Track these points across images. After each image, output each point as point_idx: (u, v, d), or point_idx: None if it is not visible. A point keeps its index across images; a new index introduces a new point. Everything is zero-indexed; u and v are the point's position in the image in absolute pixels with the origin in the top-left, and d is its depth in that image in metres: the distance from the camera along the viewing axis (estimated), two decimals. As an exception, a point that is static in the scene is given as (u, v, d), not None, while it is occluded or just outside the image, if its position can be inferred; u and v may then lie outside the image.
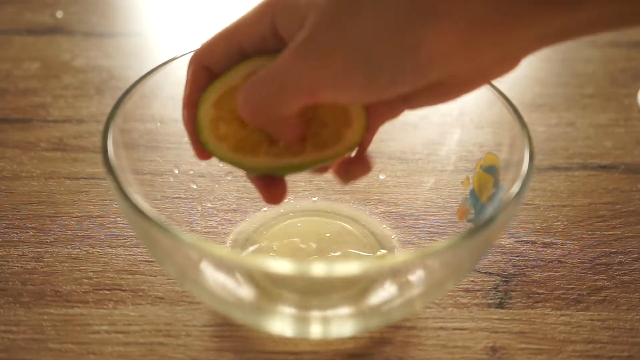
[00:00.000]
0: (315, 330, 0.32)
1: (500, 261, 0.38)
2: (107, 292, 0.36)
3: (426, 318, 0.35)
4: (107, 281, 0.36)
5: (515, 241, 0.40)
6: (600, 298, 0.36)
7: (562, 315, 0.35)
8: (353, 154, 0.31)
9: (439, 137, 0.39)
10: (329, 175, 0.32)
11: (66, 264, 0.37)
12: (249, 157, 0.29)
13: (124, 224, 0.40)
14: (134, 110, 0.33)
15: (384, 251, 0.38)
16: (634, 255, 0.39)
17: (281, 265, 0.25)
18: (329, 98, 0.25)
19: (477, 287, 0.36)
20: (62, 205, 0.42)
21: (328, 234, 0.39)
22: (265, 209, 0.40)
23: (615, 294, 0.36)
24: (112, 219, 0.40)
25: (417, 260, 0.27)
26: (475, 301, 0.36)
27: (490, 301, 0.36)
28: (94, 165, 0.45)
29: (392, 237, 0.39)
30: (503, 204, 0.31)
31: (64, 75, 0.55)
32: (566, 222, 0.41)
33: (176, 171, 0.39)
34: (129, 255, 0.38)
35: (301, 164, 0.30)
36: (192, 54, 0.28)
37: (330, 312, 0.33)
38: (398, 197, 0.41)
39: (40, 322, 0.34)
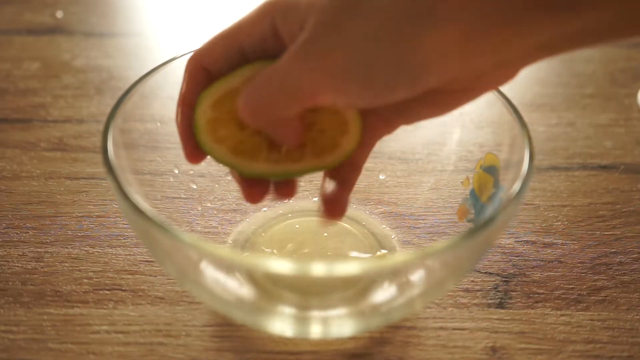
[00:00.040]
0: (315, 330, 0.32)
1: (500, 261, 0.38)
2: (107, 292, 0.36)
3: (426, 318, 0.35)
4: (107, 281, 0.36)
5: (515, 241, 0.40)
6: (600, 298, 0.36)
7: (562, 315, 0.35)
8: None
9: (439, 137, 0.39)
10: (329, 175, 0.32)
11: (66, 264, 0.37)
12: (248, 161, 0.29)
13: (124, 224, 0.40)
14: (134, 110, 0.33)
15: (384, 251, 0.38)
16: (634, 255, 0.39)
17: (281, 265, 0.25)
18: (328, 100, 0.25)
19: (477, 287, 0.36)
20: (62, 205, 0.42)
21: (327, 234, 0.39)
22: (265, 209, 0.40)
23: (615, 294, 0.36)
24: (112, 219, 0.40)
25: (417, 260, 0.27)
26: (475, 301, 0.36)
27: (490, 301, 0.36)
28: (94, 165, 0.45)
29: (392, 237, 0.39)
30: (503, 204, 0.31)
31: (64, 75, 0.55)
32: (566, 222, 0.41)
33: (176, 171, 0.39)
34: (129, 255, 0.38)
35: (299, 171, 0.30)
36: (191, 54, 0.28)
37: (330, 312, 0.33)
38: (398, 197, 0.41)
39: (40, 322, 0.34)
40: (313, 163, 0.30)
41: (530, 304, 0.36)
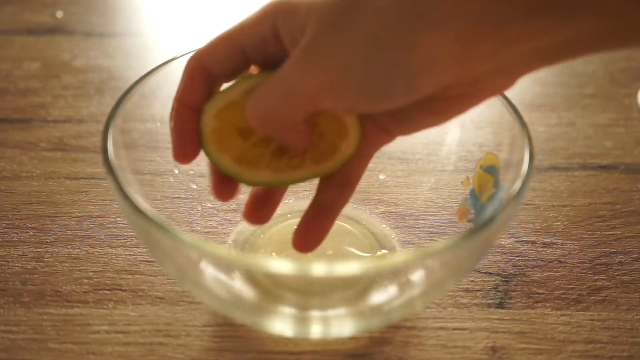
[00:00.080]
0: (315, 330, 0.32)
1: (500, 261, 0.38)
2: (107, 292, 0.36)
3: (426, 318, 0.35)
4: (107, 281, 0.36)
5: (515, 241, 0.40)
6: (600, 298, 0.36)
7: (562, 315, 0.35)
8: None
9: (439, 137, 0.39)
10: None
11: (66, 264, 0.37)
12: (250, 169, 0.30)
13: (124, 224, 0.40)
14: (134, 110, 0.33)
15: (384, 251, 0.38)
16: (634, 255, 0.39)
17: (281, 265, 0.25)
18: (329, 105, 0.25)
19: (477, 287, 0.36)
20: (62, 205, 0.42)
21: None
22: (265, 209, 0.40)
23: (615, 294, 0.36)
24: (112, 219, 0.40)
25: (417, 260, 0.27)
26: (475, 301, 0.36)
27: (490, 301, 0.36)
28: (94, 165, 0.45)
29: (392, 237, 0.39)
30: (503, 204, 0.31)
31: (64, 75, 0.55)
32: (566, 222, 0.41)
33: (176, 171, 0.39)
34: (129, 255, 0.38)
35: (299, 178, 0.31)
36: (192, 53, 0.28)
37: (330, 312, 0.33)
38: (398, 197, 0.41)
39: (40, 322, 0.34)
40: (313, 169, 0.31)
41: (530, 304, 0.36)
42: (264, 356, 0.33)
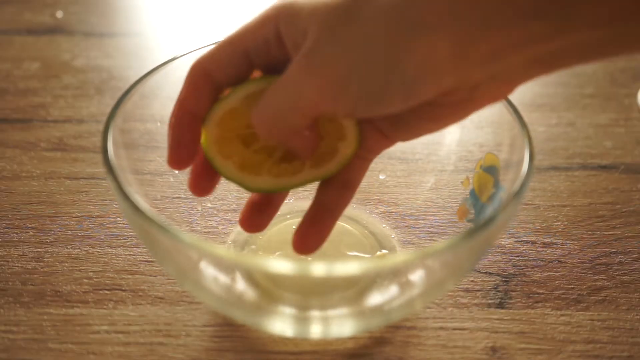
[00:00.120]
0: (315, 330, 0.32)
1: (500, 261, 0.38)
2: (107, 292, 0.36)
3: (426, 318, 0.35)
4: (107, 281, 0.36)
5: (515, 241, 0.40)
6: (600, 298, 0.36)
7: (562, 315, 0.35)
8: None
9: (439, 137, 0.39)
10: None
11: (66, 264, 0.37)
12: (252, 176, 0.30)
13: (124, 224, 0.40)
14: (134, 110, 0.33)
15: (384, 251, 0.38)
16: (634, 255, 0.39)
17: (281, 265, 0.25)
18: (329, 110, 0.25)
19: (477, 287, 0.36)
20: (62, 205, 0.42)
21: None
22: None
23: (615, 294, 0.36)
24: (112, 219, 0.40)
25: (417, 260, 0.27)
26: (475, 301, 0.36)
27: (490, 301, 0.36)
28: (94, 165, 0.45)
29: (392, 237, 0.39)
30: (503, 204, 0.31)
31: (64, 75, 0.55)
32: (566, 222, 0.41)
33: (176, 171, 0.39)
34: (129, 255, 0.38)
35: (301, 182, 0.31)
36: (192, 54, 0.28)
37: (330, 312, 0.33)
38: (398, 197, 0.41)
39: (40, 322, 0.34)
40: (314, 172, 0.31)
41: (530, 304, 0.36)
42: (264, 356, 0.33)
